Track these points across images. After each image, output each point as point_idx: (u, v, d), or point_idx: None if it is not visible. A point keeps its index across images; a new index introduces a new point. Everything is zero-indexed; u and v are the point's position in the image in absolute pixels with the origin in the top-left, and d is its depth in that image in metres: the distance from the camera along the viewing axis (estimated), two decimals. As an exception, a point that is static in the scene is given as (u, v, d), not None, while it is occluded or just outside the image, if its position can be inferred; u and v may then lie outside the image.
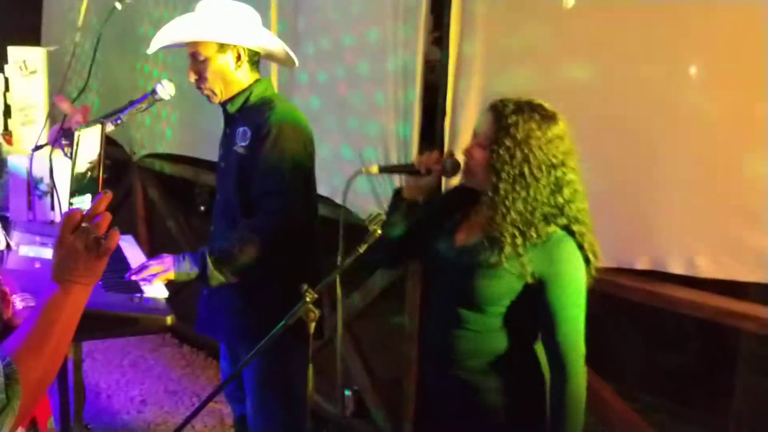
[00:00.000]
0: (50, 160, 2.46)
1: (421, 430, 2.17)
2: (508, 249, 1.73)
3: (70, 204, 1.79)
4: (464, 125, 2.54)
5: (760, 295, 2.04)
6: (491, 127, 1.76)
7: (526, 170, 1.71)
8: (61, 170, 2.45)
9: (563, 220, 1.75)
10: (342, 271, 1.72)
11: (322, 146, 2.41)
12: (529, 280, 1.74)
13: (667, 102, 2.07)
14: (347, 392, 3.47)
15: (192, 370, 4.24)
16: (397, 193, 2.01)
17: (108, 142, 2.25)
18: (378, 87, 2.89)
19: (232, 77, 2.24)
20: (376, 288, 3.20)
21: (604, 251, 1.83)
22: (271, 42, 2.30)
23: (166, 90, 2.35)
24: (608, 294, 2.33)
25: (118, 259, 2.29)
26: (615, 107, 2.18)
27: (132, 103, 2.36)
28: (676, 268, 2.10)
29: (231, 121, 2.33)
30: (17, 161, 2.77)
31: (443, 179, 2.30)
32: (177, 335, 4.55)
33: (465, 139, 2.38)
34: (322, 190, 2.52)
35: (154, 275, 2.11)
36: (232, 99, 2.27)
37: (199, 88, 2.27)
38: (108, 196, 1.25)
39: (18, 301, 1.83)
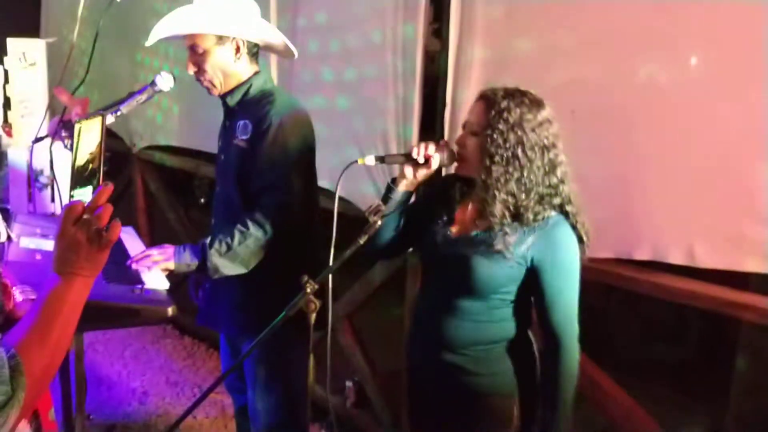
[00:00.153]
0: (50, 152, 2.45)
1: (411, 421, 2.18)
2: (508, 237, 1.75)
3: (71, 196, 1.78)
4: (464, 121, 2.53)
5: (761, 285, 2.05)
6: (483, 115, 1.80)
7: (519, 152, 1.74)
8: (61, 162, 2.45)
9: (558, 200, 1.79)
10: (342, 262, 1.73)
11: (323, 143, 2.41)
12: (529, 265, 1.78)
13: (666, 95, 2.08)
14: (348, 384, 3.50)
15: (193, 361, 4.25)
16: (391, 184, 2.01)
17: (108, 134, 2.24)
18: (378, 85, 2.88)
19: (231, 69, 2.24)
20: (376, 280, 3.21)
21: (604, 242, 1.84)
22: (270, 34, 2.30)
23: (165, 81, 2.34)
24: (608, 285, 2.34)
25: (119, 250, 2.29)
26: (615, 100, 2.18)
27: (132, 95, 2.35)
28: (676, 258, 2.11)
29: (230, 113, 2.32)
30: (17, 153, 2.77)
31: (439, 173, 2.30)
32: (178, 327, 4.57)
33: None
34: (322, 183, 2.52)
35: (155, 263, 2.12)
36: (231, 92, 2.27)
37: (198, 80, 2.27)
38: (109, 188, 1.25)
39: (18, 293, 1.83)
